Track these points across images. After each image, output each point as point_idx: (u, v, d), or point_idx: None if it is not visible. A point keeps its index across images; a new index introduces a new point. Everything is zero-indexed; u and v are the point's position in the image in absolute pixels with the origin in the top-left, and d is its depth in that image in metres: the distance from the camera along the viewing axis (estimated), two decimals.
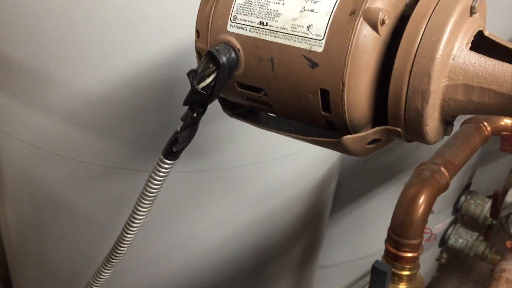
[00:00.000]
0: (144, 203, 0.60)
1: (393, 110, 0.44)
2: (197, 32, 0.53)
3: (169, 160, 0.57)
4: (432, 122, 0.44)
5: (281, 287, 1.28)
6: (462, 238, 1.84)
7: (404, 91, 0.43)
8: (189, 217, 1.00)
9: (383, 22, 0.43)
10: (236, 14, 0.50)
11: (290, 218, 1.14)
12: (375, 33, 0.43)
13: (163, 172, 0.58)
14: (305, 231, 1.24)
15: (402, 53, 0.42)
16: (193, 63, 0.83)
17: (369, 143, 0.48)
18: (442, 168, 1.01)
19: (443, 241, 1.87)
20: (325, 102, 0.47)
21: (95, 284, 0.70)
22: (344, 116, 0.46)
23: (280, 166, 1.02)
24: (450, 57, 0.42)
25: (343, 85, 0.44)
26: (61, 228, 1.03)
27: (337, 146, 0.48)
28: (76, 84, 0.84)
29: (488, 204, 1.78)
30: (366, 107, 0.46)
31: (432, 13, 0.42)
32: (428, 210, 0.96)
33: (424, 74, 0.41)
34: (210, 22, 0.51)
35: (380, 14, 0.43)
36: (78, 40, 0.80)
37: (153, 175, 0.58)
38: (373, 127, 0.48)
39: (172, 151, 0.56)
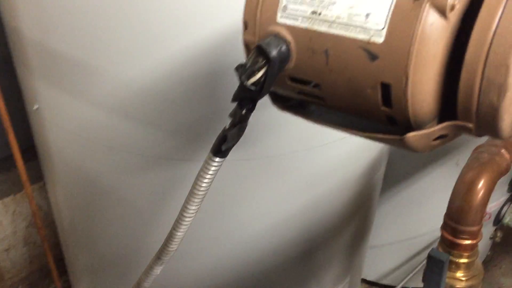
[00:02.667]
0: (193, 202, 0.59)
1: (464, 105, 0.40)
2: (245, 23, 0.50)
3: (218, 158, 0.55)
4: (508, 117, 0.40)
5: (330, 271, 1.25)
6: None
7: (477, 84, 0.38)
8: (237, 205, 0.98)
9: (452, 8, 0.39)
10: (286, 4, 0.46)
11: (340, 203, 1.11)
12: (443, 20, 0.39)
13: (212, 171, 0.56)
14: (355, 215, 1.20)
15: (475, 42, 0.38)
16: (239, 49, 0.81)
17: (435, 139, 0.44)
18: (503, 150, 0.94)
19: (497, 220, 1.79)
20: (385, 97, 0.43)
21: (146, 281, 0.70)
22: (407, 111, 0.42)
23: (331, 151, 0.98)
24: None
25: (407, 78, 0.40)
26: (110, 217, 1.04)
27: (399, 143, 0.44)
28: (122, 75, 0.83)
29: None
30: (432, 102, 0.42)
31: None
32: (488, 195, 0.91)
33: (501, 65, 0.37)
34: (258, 12, 0.48)
35: None
36: (122, 31, 0.78)
37: (202, 173, 0.56)
38: (439, 121, 0.44)
39: (221, 149, 0.53)
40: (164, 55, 0.80)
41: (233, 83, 0.59)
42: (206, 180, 0.57)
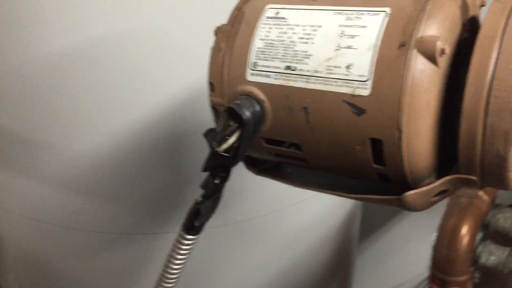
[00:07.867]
0: (166, 286, 0.52)
1: (466, 156, 0.36)
2: (211, 85, 0.45)
3: (191, 236, 0.48)
4: None
5: None
6: (494, 255, 1.73)
7: (480, 133, 0.34)
8: (211, 277, 0.90)
9: (442, 52, 0.35)
10: (256, 60, 0.42)
11: (319, 261, 1.05)
12: (433, 66, 0.35)
13: (185, 250, 0.49)
14: (337, 271, 1.14)
15: (472, 87, 0.34)
16: (192, 113, 0.76)
17: (434, 196, 0.40)
18: (481, 192, 0.92)
19: (474, 261, 1.76)
20: (376, 153, 0.39)
21: None
22: (403, 168, 0.38)
23: (303, 210, 0.93)
24: None
25: (400, 132, 0.36)
26: None
27: (397, 204, 0.39)
28: (73, 149, 0.76)
29: None
30: (430, 155, 0.38)
31: (503, 34, 0.34)
32: (473, 241, 0.87)
33: (504, 110, 0.33)
34: (225, 72, 0.43)
35: (438, 43, 0.35)
36: (71, 103, 0.72)
37: (174, 254, 0.49)
38: (437, 176, 0.40)
39: (194, 225, 0.47)
40: (116, 125, 0.74)
41: (196, 148, 0.53)
42: (178, 262, 0.50)
